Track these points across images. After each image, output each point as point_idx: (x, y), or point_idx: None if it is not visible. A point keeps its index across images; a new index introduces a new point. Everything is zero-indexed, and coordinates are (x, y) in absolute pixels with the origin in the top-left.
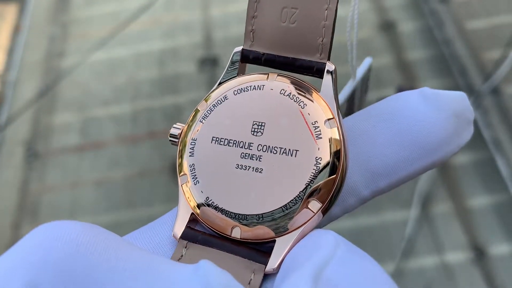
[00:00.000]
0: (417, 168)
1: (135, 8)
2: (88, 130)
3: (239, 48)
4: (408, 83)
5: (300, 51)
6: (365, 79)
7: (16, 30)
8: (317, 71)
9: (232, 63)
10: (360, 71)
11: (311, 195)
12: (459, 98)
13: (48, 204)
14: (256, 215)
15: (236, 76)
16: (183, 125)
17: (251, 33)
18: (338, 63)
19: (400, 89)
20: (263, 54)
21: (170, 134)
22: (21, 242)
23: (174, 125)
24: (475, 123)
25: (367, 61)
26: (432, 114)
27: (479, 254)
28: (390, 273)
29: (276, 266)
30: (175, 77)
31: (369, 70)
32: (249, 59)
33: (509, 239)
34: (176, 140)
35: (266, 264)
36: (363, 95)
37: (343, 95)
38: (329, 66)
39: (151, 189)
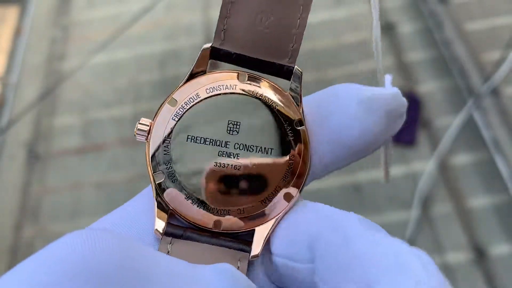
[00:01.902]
0: (345, 164)
1: (136, 11)
2: (89, 132)
3: (208, 45)
4: (408, 85)
5: (271, 55)
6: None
7: (17, 33)
8: (286, 74)
9: (201, 58)
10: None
11: (287, 185)
12: (391, 99)
13: (49, 206)
14: (238, 209)
15: (205, 73)
16: (150, 120)
17: (222, 32)
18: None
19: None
20: (234, 53)
21: (138, 129)
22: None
23: (141, 121)
24: (475, 124)
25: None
26: (363, 117)
27: (479, 254)
28: None
29: (258, 252)
30: (176, 79)
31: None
32: (219, 56)
33: (509, 239)
34: (144, 136)
35: (250, 252)
36: None
37: None
38: (297, 70)
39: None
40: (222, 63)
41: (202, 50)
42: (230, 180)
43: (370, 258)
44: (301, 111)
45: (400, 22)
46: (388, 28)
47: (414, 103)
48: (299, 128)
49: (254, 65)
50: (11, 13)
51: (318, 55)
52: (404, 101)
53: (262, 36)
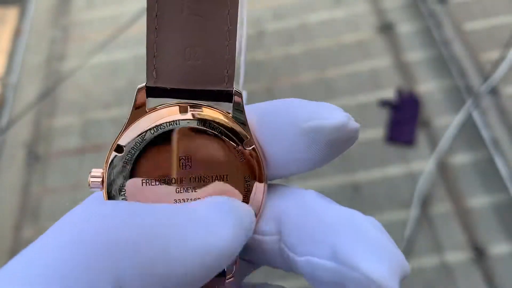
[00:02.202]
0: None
1: (135, 11)
2: (89, 132)
3: (143, 85)
4: (407, 84)
5: (207, 83)
6: None
7: (17, 34)
8: (226, 97)
9: (138, 99)
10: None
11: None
12: (333, 130)
13: (49, 206)
14: None
15: (146, 113)
16: (101, 170)
17: (154, 71)
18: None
19: (399, 92)
20: (170, 88)
21: (91, 181)
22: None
23: (92, 172)
24: (474, 123)
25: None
26: (303, 148)
27: (479, 253)
28: None
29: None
30: None
31: None
32: (155, 94)
33: (508, 238)
34: (99, 186)
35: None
36: None
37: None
38: (236, 91)
39: None
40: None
41: (137, 90)
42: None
43: (330, 223)
44: (248, 130)
45: (399, 22)
46: (387, 28)
47: (413, 103)
48: (249, 149)
49: (192, 95)
50: (11, 13)
51: (317, 54)
52: (352, 128)
53: (194, 68)
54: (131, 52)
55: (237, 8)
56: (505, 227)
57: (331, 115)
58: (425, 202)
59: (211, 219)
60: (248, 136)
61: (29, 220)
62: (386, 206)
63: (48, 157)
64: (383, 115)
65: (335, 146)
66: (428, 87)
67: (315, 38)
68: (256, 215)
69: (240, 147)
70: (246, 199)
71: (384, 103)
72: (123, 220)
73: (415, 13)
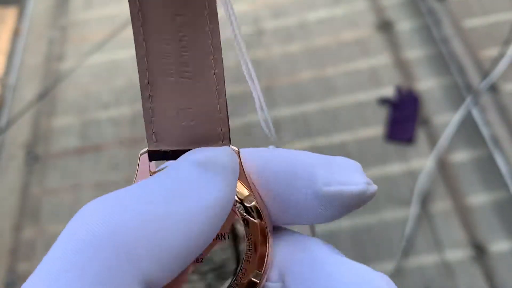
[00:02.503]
0: None
1: None
2: (88, 132)
3: (144, 150)
4: (406, 82)
5: (205, 143)
6: None
7: (16, 34)
8: None
9: (141, 164)
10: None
11: (251, 269)
12: (355, 197)
13: (48, 207)
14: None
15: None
16: None
17: (153, 135)
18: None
19: (398, 90)
20: (170, 151)
21: None
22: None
23: None
24: (474, 121)
25: None
26: (320, 212)
27: (479, 251)
28: (390, 271)
29: None
30: None
31: None
32: (157, 157)
33: (508, 236)
34: None
35: None
36: None
37: None
38: (233, 148)
39: None
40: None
41: (140, 156)
42: (197, 273)
43: (337, 275)
44: (248, 184)
45: (398, 20)
46: (386, 26)
47: (413, 101)
48: (250, 203)
49: None
50: (10, 14)
51: (317, 53)
52: (370, 194)
53: (190, 129)
54: (129, 51)
55: (222, 68)
56: (505, 225)
57: (351, 179)
58: (425, 200)
59: (201, 182)
60: (248, 191)
61: (29, 221)
62: (386, 204)
63: (47, 158)
64: (383, 113)
65: (351, 208)
66: (427, 84)
67: (314, 37)
68: (262, 269)
69: (241, 205)
70: (248, 260)
71: (384, 101)
72: (129, 214)
73: (414, 11)
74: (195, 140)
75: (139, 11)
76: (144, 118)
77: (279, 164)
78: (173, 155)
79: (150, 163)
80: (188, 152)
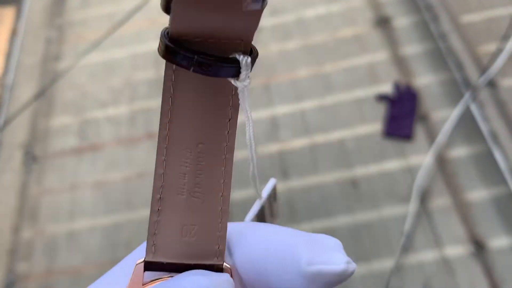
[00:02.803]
0: None
1: (130, 9)
2: (86, 132)
3: (141, 260)
4: (404, 78)
5: (200, 259)
6: (271, 199)
7: (13, 34)
8: (217, 271)
9: (136, 272)
10: (266, 191)
11: None
12: (337, 276)
13: (47, 207)
14: None
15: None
16: None
17: (153, 246)
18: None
19: (397, 86)
20: (166, 263)
21: None
22: None
23: None
24: (472, 116)
25: (271, 182)
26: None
27: (479, 247)
28: (389, 268)
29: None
30: None
31: (274, 190)
32: (152, 267)
33: (508, 232)
34: None
35: None
36: (273, 220)
37: (252, 213)
38: (226, 266)
39: (150, 190)
40: None
41: (136, 266)
42: None
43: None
44: None
45: (396, 16)
46: (384, 22)
47: (411, 97)
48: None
49: (186, 269)
50: (7, 14)
51: (314, 50)
52: (350, 273)
53: (189, 244)
54: (126, 50)
55: (229, 191)
56: (505, 220)
57: (332, 259)
58: (424, 197)
59: None
60: None
61: (28, 221)
62: (385, 201)
63: (45, 158)
64: (381, 110)
65: (332, 285)
66: (425, 80)
67: (312, 33)
68: None
69: None
70: None
71: (382, 97)
72: None
73: (412, 7)
74: (192, 255)
75: (167, 135)
76: (148, 230)
77: (265, 250)
78: (168, 267)
79: (144, 272)
80: (190, 275)
